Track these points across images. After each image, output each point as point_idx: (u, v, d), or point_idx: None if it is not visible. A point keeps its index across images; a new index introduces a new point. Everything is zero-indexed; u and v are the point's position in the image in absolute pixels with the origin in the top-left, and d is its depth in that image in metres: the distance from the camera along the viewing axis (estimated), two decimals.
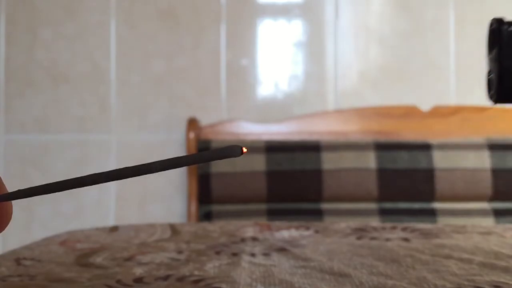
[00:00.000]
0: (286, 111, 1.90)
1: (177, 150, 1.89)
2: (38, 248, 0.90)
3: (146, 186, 1.89)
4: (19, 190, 0.35)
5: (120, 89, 1.91)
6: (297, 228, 1.05)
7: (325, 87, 1.93)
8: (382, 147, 1.74)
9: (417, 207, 1.74)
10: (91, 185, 0.33)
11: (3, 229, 0.36)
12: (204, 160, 0.32)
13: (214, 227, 1.07)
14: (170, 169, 0.32)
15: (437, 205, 1.74)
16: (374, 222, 1.65)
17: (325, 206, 1.73)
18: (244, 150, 0.30)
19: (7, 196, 0.35)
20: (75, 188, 0.33)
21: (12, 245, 1.01)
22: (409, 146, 1.75)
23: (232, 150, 0.31)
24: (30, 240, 1.04)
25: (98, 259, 0.81)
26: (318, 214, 1.71)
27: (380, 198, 1.73)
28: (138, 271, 0.73)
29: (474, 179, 1.71)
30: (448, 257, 0.79)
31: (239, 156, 0.30)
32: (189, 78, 1.92)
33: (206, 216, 1.75)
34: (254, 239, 0.96)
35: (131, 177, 0.33)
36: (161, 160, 0.32)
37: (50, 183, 0.34)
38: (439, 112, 1.88)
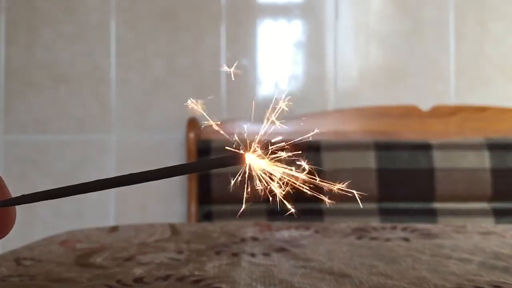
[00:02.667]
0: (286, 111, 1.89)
1: (177, 150, 1.88)
2: (38, 248, 0.90)
3: (146, 186, 1.89)
4: (22, 196, 0.35)
5: (120, 89, 1.91)
6: (297, 228, 1.05)
7: (325, 87, 1.93)
8: (382, 147, 1.74)
9: (417, 207, 1.74)
10: (93, 191, 0.33)
11: (7, 233, 0.36)
12: (205, 168, 0.32)
13: (214, 227, 1.07)
14: (171, 177, 0.32)
15: (437, 205, 1.74)
16: (374, 222, 1.65)
17: (325, 206, 1.73)
18: (246, 159, 0.30)
19: (11, 201, 0.35)
20: (77, 194, 0.33)
21: (12, 245, 1.01)
22: (409, 146, 1.75)
23: (232, 159, 0.30)
24: (30, 240, 1.04)
25: (98, 259, 0.81)
26: (318, 214, 1.71)
27: (380, 198, 1.73)
28: (138, 271, 0.73)
29: (474, 179, 1.71)
30: (448, 257, 0.79)
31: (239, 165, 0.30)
32: (189, 78, 1.92)
33: (206, 216, 1.75)
34: (254, 239, 0.96)
35: (131, 184, 0.33)
36: (161, 168, 0.32)
37: (53, 189, 0.34)
38: (439, 112, 1.88)
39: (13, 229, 0.37)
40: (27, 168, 1.90)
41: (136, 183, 0.33)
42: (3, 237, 0.36)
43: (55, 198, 0.34)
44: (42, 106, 1.91)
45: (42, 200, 0.35)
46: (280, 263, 0.77)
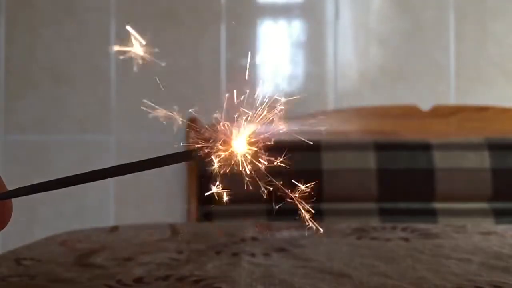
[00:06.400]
0: (286, 111, 1.89)
1: (177, 150, 1.88)
2: (38, 248, 0.90)
3: (145, 186, 1.89)
4: (19, 188, 0.35)
5: (120, 89, 1.91)
6: (297, 228, 1.05)
7: (325, 87, 1.93)
8: (382, 147, 1.74)
9: (417, 207, 1.74)
10: (89, 182, 0.34)
11: (4, 227, 0.36)
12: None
13: (214, 227, 1.07)
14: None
15: (437, 205, 1.74)
16: (374, 222, 1.65)
17: (325, 206, 1.73)
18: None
19: (8, 194, 0.35)
20: (73, 185, 0.33)
21: (12, 245, 1.01)
22: (409, 146, 1.75)
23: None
24: (30, 240, 1.04)
25: (98, 259, 0.81)
26: (318, 214, 1.71)
27: (380, 198, 1.73)
28: (138, 271, 0.73)
29: (474, 179, 1.71)
30: (448, 257, 0.79)
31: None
32: (189, 78, 1.92)
33: (206, 216, 1.75)
34: (254, 239, 0.96)
35: (131, 173, 0.34)
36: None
37: (49, 181, 0.34)
38: (439, 112, 1.88)
39: (13, 229, 0.37)
40: (27, 168, 1.90)
41: (133, 172, 0.34)
42: (1, 230, 0.36)
43: (51, 189, 0.34)
44: (42, 106, 1.91)
45: (39, 192, 0.35)
46: (280, 263, 0.77)
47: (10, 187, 0.38)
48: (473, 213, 1.72)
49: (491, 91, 1.92)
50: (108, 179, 0.36)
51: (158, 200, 1.91)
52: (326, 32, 1.93)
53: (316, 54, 1.94)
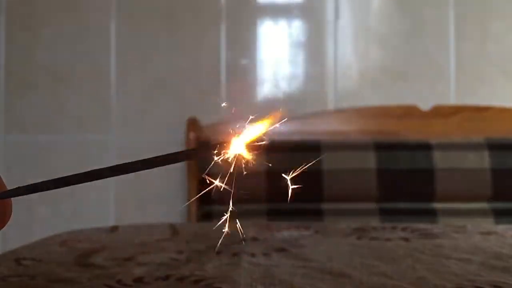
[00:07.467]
0: (286, 111, 1.89)
1: (177, 150, 1.88)
2: (38, 248, 0.90)
3: (146, 186, 1.89)
4: (18, 187, 0.35)
5: (120, 89, 1.91)
6: (297, 228, 1.05)
7: (325, 87, 1.93)
8: (382, 147, 1.74)
9: (417, 207, 1.74)
10: (89, 181, 0.34)
11: (4, 226, 0.36)
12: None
13: (214, 227, 1.07)
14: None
15: (437, 205, 1.74)
16: (374, 222, 1.65)
17: (325, 206, 1.73)
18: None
19: (7, 193, 0.36)
20: (73, 184, 0.33)
21: (12, 245, 1.01)
22: (409, 146, 1.75)
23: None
24: (30, 240, 1.04)
25: (98, 259, 0.81)
26: (318, 214, 1.71)
27: (380, 198, 1.73)
28: (138, 271, 0.73)
29: (474, 179, 1.71)
30: (448, 257, 0.79)
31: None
32: (189, 78, 1.91)
33: (206, 216, 1.75)
34: (254, 239, 0.96)
35: (130, 173, 0.34)
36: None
37: (49, 180, 0.34)
38: (439, 112, 1.88)
39: (13, 229, 0.37)
40: (27, 168, 1.90)
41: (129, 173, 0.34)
42: (0, 229, 0.36)
43: (51, 189, 0.34)
44: (42, 106, 1.91)
45: (38, 191, 0.35)
46: (280, 263, 0.77)
47: (10, 186, 0.38)
48: (473, 213, 1.72)
49: (491, 91, 1.92)
50: (108, 179, 0.36)
51: (158, 200, 1.91)
52: (326, 32, 1.93)
53: (316, 54, 1.94)
